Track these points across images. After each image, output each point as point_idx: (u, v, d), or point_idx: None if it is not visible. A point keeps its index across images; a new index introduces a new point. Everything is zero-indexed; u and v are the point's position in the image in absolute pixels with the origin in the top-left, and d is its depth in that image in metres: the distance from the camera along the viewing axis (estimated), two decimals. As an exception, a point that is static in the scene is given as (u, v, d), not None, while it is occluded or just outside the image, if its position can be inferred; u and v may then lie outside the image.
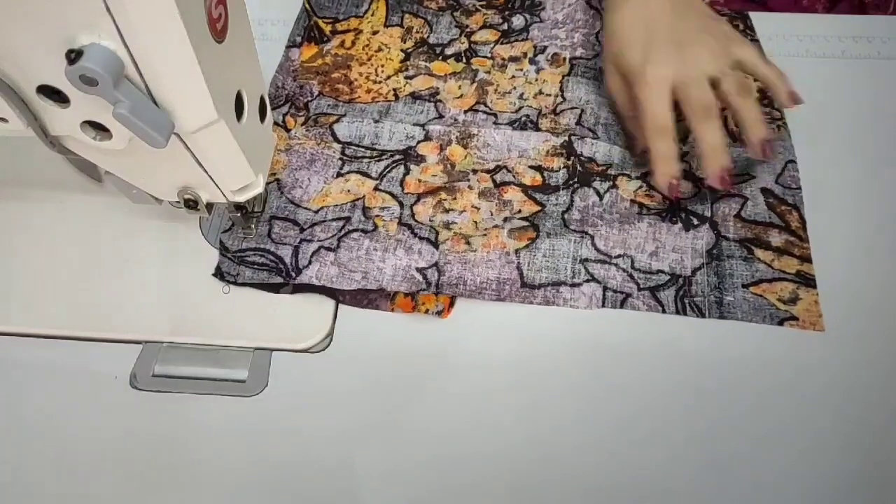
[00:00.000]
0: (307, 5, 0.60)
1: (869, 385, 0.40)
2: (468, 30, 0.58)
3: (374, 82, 0.55)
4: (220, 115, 0.32)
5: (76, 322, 0.43)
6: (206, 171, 0.36)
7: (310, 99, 0.54)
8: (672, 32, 0.44)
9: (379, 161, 0.50)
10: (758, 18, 0.57)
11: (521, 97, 0.53)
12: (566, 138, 0.50)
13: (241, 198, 0.40)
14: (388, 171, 0.49)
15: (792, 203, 0.46)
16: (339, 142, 0.51)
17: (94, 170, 0.43)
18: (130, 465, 0.39)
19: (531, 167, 0.49)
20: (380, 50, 0.56)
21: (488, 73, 0.55)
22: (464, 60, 0.56)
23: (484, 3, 0.60)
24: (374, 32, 0.58)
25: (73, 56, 0.27)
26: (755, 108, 0.43)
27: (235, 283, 0.44)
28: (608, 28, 0.49)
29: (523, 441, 0.39)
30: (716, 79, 0.43)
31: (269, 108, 0.40)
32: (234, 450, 0.39)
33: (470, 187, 0.48)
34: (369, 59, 0.56)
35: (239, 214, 0.44)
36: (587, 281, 0.44)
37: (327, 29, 0.58)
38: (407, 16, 0.59)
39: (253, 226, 0.46)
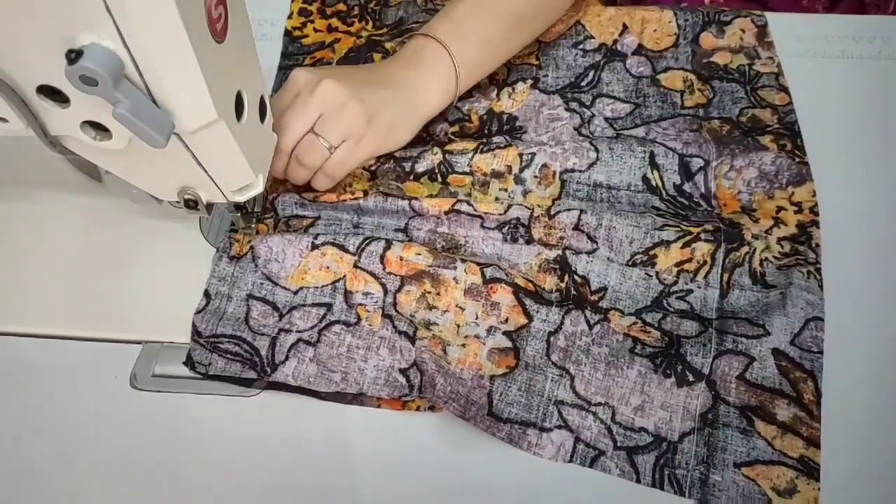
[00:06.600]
0: None
1: None
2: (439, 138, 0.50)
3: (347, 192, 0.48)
4: (220, 115, 0.32)
5: (76, 322, 0.44)
6: (205, 171, 0.36)
7: (274, 196, 0.47)
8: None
9: (357, 235, 0.45)
10: (758, 18, 0.57)
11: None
12: (560, 252, 0.44)
13: (241, 198, 0.40)
14: (367, 245, 0.44)
15: (809, 370, 0.39)
16: (315, 247, 0.44)
17: (94, 170, 0.43)
18: (130, 465, 0.39)
19: (524, 277, 0.44)
20: None
21: (469, 194, 0.47)
22: (439, 179, 0.48)
23: (457, 130, 0.51)
24: None
25: (73, 56, 0.27)
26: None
27: (206, 375, 0.41)
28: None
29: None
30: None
31: (268, 107, 0.40)
32: (233, 450, 0.39)
33: (456, 280, 0.43)
34: (333, 188, 0.47)
35: (238, 214, 0.44)
36: (559, 427, 0.39)
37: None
38: None
39: (253, 225, 0.46)
